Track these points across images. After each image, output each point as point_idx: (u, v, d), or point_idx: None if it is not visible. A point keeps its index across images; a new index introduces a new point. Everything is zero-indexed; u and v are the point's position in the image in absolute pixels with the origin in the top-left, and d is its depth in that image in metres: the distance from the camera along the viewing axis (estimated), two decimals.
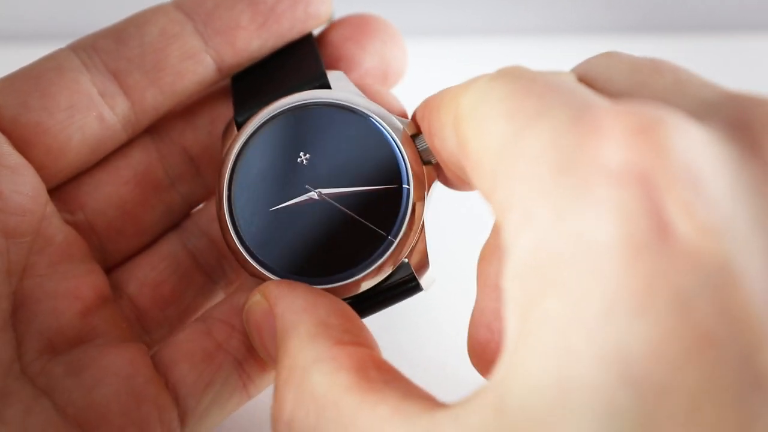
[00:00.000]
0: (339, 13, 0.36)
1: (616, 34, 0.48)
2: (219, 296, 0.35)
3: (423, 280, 0.32)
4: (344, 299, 0.31)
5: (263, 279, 0.31)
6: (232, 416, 0.33)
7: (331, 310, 0.28)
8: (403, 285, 0.32)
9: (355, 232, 0.31)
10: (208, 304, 0.35)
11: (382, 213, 0.31)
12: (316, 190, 0.31)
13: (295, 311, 0.28)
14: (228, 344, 0.32)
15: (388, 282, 0.32)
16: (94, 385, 0.30)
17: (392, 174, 0.31)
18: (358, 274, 0.31)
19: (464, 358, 0.33)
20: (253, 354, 0.32)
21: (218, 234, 0.34)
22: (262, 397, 0.34)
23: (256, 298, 0.30)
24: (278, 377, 0.26)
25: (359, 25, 0.35)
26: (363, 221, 0.31)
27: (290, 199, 0.31)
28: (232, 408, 0.32)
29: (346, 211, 0.31)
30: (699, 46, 0.47)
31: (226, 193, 0.31)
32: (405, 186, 0.31)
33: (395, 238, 0.31)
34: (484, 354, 0.28)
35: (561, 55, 0.48)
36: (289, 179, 0.31)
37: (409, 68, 0.37)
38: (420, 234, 0.31)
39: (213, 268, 0.35)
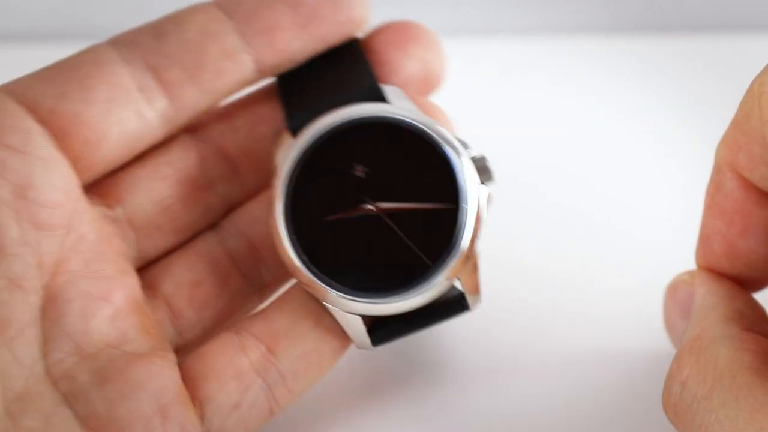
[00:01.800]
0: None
1: (616, 34, 0.48)
2: (254, 301, 0.35)
3: (471, 301, 0.32)
4: (386, 316, 0.31)
5: (314, 289, 0.31)
6: None
7: (747, 304, 0.30)
8: (449, 304, 0.32)
9: (403, 254, 0.31)
10: (244, 308, 0.35)
11: (436, 234, 0.31)
12: (373, 203, 0.31)
13: (716, 295, 0.30)
14: (261, 368, 0.32)
15: (437, 300, 0.32)
16: (119, 398, 0.29)
17: (451, 193, 0.31)
18: (400, 296, 0.31)
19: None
20: (285, 379, 0.32)
21: (258, 236, 0.34)
22: None
23: (684, 278, 0.33)
24: (683, 345, 0.29)
25: (401, 30, 0.35)
26: (411, 245, 0.31)
27: (345, 211, 0.31)
28: (256, 430, 0.32)
29: (397, 230, 0.31)
30: (699, 46, 0.47)
31: (282, 200, 0.31)
32: (464, 205, 0.31)
33: (441, 268, 0.31)
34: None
35: (561, 55, 0.48)
36: (346, 191, 0.31)
37: None
38: (472, 252, 0.31)
39: (250, 270, 0.34)
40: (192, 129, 0.35)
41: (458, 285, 0.32)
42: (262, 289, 0.35)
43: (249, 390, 0.31)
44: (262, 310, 0.33)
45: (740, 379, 0.26)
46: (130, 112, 0.32)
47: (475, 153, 0.32)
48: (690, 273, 0.33)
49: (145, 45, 0.32)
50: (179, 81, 0.32)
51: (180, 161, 0.34)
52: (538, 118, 0.45)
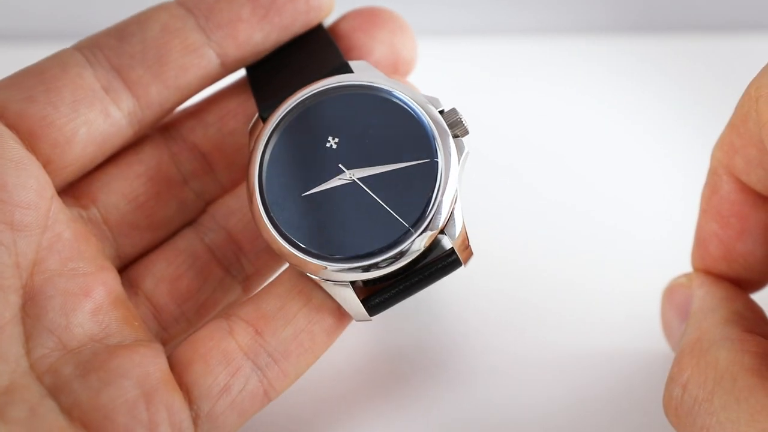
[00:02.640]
0: (340, 11, 0.36)
1: (616, 34, 0.48)
2: (237, 291, 0.35)
3: (462, 255, 0.32)
4: (378, 278, 0.31)
5: (299, 265, 0.31)
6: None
7: (746, 306, 0.30)
8: (441, 261, 0.32)
9: (384, 218, 0.31)
10: (227, 298, 0.35)
11: (414, 192, 0.31)
12: (349, 171, 0.31)
13: (715, 297, 0.31)
14: (250, 350, 0.32)
15: (427, 259, 0.32)
16: (101, 387, 0.29)
17: (423, 149, 0.31)
18: (379, 259, 0.31)
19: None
20: (277, 361, 0.32)
21: (236, 228, 0.34)
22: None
23: (681, 281, 0.33)
24: (683, 348, 0.29)
25: (368, 16, 0.35)
26: (388, 209, 0.31)
27: (321, 183, 0.31)
28: (251, 414, 0.32)
29: (374, 196, 0.31)
30: (699, 46, 0.47)
31: (257, 182, 0.32)
32: (436, 160, 0.31)
33: (420, 226, 0.31)
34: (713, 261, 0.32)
35: (561, 55, 0.48)
36: (320, 164, 0.32)
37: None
38: (452, 206, 0.31)
39: (231, 262, 0.35)
40: (163, 127, 0.35)
41: (447, 241, 0.32)
42: (246, 280, 0.35)
43: (238, 373, 0.31)
44: (253, 295, 0.33)
45: (741, 381, 0.26)
46: (96, 113, 0.32)
47: (445, 107, 0.32)
48: (687, 275, 0.33)
49: (109, 46, 0.33)
50: (144, 79, 0.33)
51: (152, 159, 0.34)
52: (537, 118, 0.45)
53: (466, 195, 0.38)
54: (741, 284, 0.32)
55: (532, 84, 0.47)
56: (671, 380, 0.29)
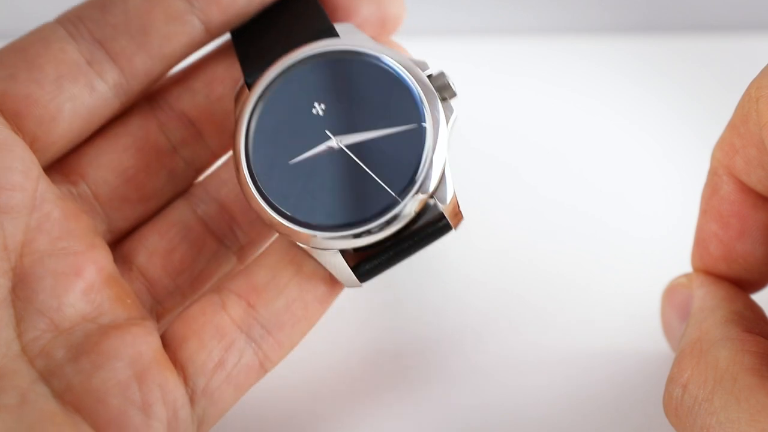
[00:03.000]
0: None
1: (616, 34, 0.48)
2: (232, 261, 0.35)
3: (452, 220, 0.31)
4: (371, 245, 0.31)
5: (289, 234, 0.31)
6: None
7: (746, 305, 0.30)
8: (432, 225, 0.31)
9: (372, 184, 0.31)
10: (222, 270, 0.34)
11: (403, 157, 0.31)
12: (335, 138, 0.31)
13: (715, 297, 0.31)
14: (243, 323, 0.31)
15: (417, 224, 0.31)
16: (93, 369, 0.29)
17: (410, 113, 0.31)
18: (370, 226, 0.30)
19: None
20: (271, 332, 0.32)
21: (228, 198, 0.34)
22: (265, 398, 0.34)
23: (681, 281, 0.33)
24: (683, 348, 0.29)
25: None
26: (375, 177, 0.31)
27: (308, 151, 0.31)
28: (248, 386, 0.32)
29: (360, 164, 0.31)
30: (699, 46, 0.47)
31: (243, 151, 0.31)
32: (423, 124, 0.31)
33: (408, 192, 0.30)
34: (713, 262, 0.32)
35: (561, 55, 0.48)
36: (306, 131, 0.31)
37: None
38: (443, 169, 0.31)
39: (224, 233, 0.34)
40: (150, 96, 0.35)
41: (438, 206, 0.31)
42: (241, 250, 0.35)
43: (232, 347, 0.31)
44: (243, 267, 0.33)
45: (741, 381, 0.26)
46: (81, 87, 0.32)
47: (433, 71, 0.32)
48: (687, 276, 0.33)
49: (91, 18, 0.32)
50: (128, 50, 0.32)
51: (140, 130, 0.34)
52: (537, 118, 0.45)
53: (468, 191, 0.38)
54: (741, 284, 0.32)
55: (532, 84, 0.46)
56: (671, 380, 0.29)
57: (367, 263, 0.31)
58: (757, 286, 0.32)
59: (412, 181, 0.30)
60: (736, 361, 0.27)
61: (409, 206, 0.30)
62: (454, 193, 0.31)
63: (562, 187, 0.43)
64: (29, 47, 0.32)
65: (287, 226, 0.31)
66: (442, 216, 0.31)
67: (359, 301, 0.37)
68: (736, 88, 0.30)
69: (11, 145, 0.30)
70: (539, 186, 0.43)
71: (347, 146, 0.31)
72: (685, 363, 0.28)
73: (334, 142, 0.31)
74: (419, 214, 0.31)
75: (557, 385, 0.36)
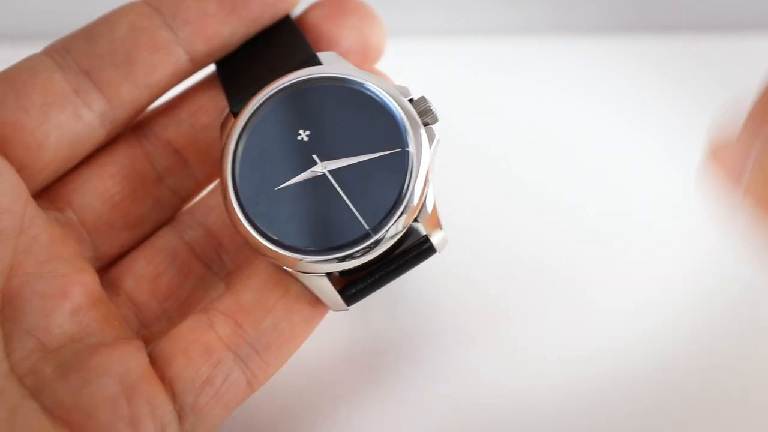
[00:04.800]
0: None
1: (616, 34, 0.48)
2: (220, 288, 0.35)
3: (436, 242, 0.32)
4: (356, 269, 0.31)
5: (276, 258, 0.31)
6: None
7: None
8: (416, 249, 0.32)
9: (348, 213, 0.31)
10: (209, 295, 0.35)
11: (386, 182, 0.31)
12: (321, 163, 0.31)
13: None
14: (231, 342, 0.32)
15: (402, 247, 0.32)
16: (82, 385, 0.30)
17: (394, 138, 0.31)
18: (353, 250, 0.31)
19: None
20: (258, 351, 0.32)
21: (216, 225, 0.34)
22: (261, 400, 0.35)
23: (722, 142, 0.30)
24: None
25: (335, 5, 0.35)
26: (351, 206, 0.31)
27: (293, 176, 0.32)
28: (235, 405, 0.32)
29: (340, 191, 0.31)
30: (699, 46, 0.47)
31: (230, 177, 0.32)
32: (407, 149, 0.31)
33: (375, 233, 0.31)
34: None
35: (562, 56, 0.48)
36: (291, 157, 0.32)
37: (408, 69, 0.37)
38: (424, 190, 0.31)
39: (212, 259, 0.35)
40: (136, 126, 0.35)
41: (420, 229, 0.32)
42: (228, 276, 0.35)
43: (220, 365, 0.31)
44: (231, 290, 0.34)
45: None
46: (68, 115, 0.32)
47: (414, 96, 0.32)
48: (728, 136, 0.30)
49: (78, 49, 0.33)
50: (114, 80, 0.33)
51: (126, 158, 0.34)
52: (537, 118, 0.45)
53: (466, 191, 0.38)
54: None
55: (531, 84, 0.47)
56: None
57: (354, 287, 0.32)
58: None
59: (394, 207, 0.31)
60: None
61: (392, 230, 0.31)
62: (434, 204, 0.32)
63: (561, 186, 0.43)
64: (17, 76, 0.32)
65: (274, 250, 0.31)
66: (426, 239, 0.32)
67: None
68: (736, 88, 0.30)
69: (0, 170, 0.31)
70: (539, 185, 0.43)
71: (331, 172, 0.31)
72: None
73: (319, 167, 0.31)
74: (404, 237, 0.31)
75: (557, 382, 0.36)
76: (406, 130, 0.31)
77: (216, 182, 0.36)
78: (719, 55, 0.46)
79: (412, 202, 0.31)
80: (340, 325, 0.34)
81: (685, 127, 0.44)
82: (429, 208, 0.32)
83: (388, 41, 0.36)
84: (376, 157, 0.31)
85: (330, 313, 0.33)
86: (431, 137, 0.32)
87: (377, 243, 0.31)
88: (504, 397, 0.36)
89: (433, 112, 0.32)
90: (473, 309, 0.38)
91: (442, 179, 0.34)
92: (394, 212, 0.31)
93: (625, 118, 0.45)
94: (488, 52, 0.47)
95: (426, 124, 0.32)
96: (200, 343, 0.31)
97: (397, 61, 0.37)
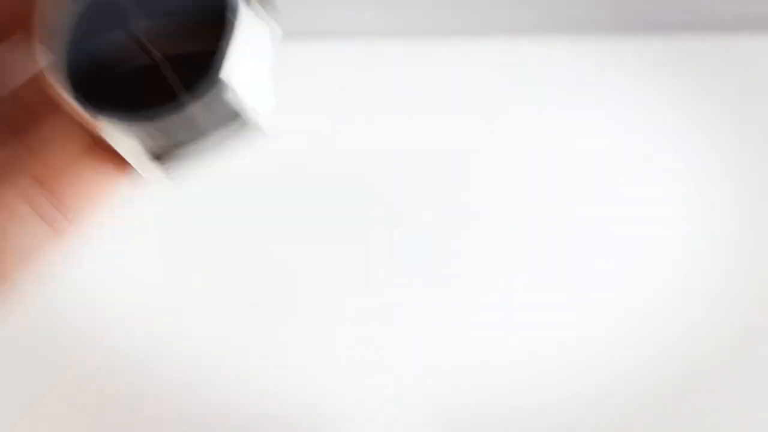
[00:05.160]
0: (339, 12, 0.36)
1: (616, 34, 0.48)
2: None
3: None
4: (171, 139, 0.31)
5: (85, 119, 0.30)
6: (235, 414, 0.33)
7: None
8: (233, 123, 0.31)
9: (162, 77, 0.30)
10: None
11: (203, 48, 0.30)
12: (134, 23, 0.31)
13: None
14: (34, 201, 0.31)
15: (223, 124, 0.31)
16: None
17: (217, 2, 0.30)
18: (159, 112, 0.30)
19: None
20: (64, 213, 0.31)
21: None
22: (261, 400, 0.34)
23: None
24: None
25: None
26: (164, 69, 0.31)
27: (108, 36, 0.31)
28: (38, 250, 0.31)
29: (155, 53, 0.31)
30: (699, 46, 0.47)
31: (60, 61, 0.31)
32: (230, 17, 0.31)
33: (190, 93, 0.30)
34: None
35: (561, 55, 0.48)
36: (108, 19, 0.31)
37: (408, 69, 0.37)
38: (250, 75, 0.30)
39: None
40: None
41: (243, 110, 0.30)
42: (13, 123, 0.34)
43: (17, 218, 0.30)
44: (38, 151, 0.32)
45: None
46: None
47: None
48: None
49: None
50: None
51: None
52: (537, 118, 0.45)
53: (465, 192, 0.38)
54: None
55: (531, 84, 0.47)
56: None
57: (172, 154, 0.31)
58: None
59: (210, 73, 0.30)
60: None
61: (204, 100, 0.30)
62: (273, 106, 0.31)
63: (561, 186, 0.43)
64: None
65: (83, 111, 0.31)
66: (237, 114, 0.30)
67: None
68: (736, 87, 0.30)
69: None
70: (539, 185, 0.43)
71: (145, 32, 0.31)
72: None
73: (132, 27, 0.31)
74: (223, 111, 0.31)
75: (556, 381, 0.36)
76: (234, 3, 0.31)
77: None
78: (719, 55, 0.46)
79: (229, 77, 0.29)
80: None
81: (685, 126, 0.44)
82: (261, 98, 0.30)
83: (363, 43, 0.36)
84: (194, 21, 0.31)
85: None
86: (270, 20, 0.31)
87: (182, 105, 0.30)
88: (501, 391, 0.36)
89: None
90: (473, 308, 0.38)
91: (442, 179, 0.34)
92: (209, 80, 0.30)
93: (624, 117, 0.45)
94: (487, 53, 0.47)
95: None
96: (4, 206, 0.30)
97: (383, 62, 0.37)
